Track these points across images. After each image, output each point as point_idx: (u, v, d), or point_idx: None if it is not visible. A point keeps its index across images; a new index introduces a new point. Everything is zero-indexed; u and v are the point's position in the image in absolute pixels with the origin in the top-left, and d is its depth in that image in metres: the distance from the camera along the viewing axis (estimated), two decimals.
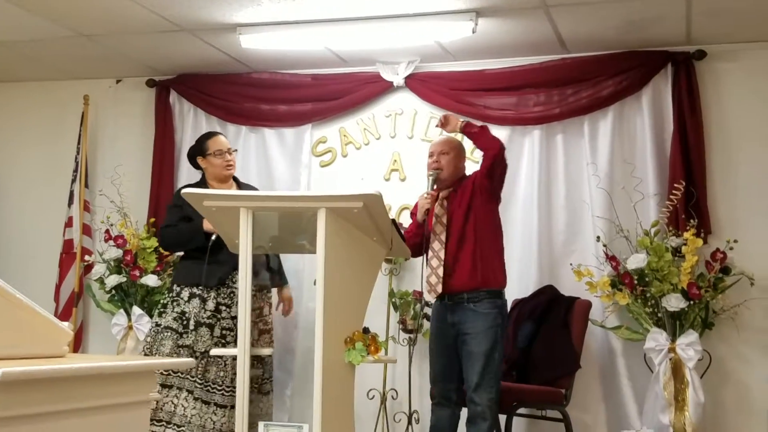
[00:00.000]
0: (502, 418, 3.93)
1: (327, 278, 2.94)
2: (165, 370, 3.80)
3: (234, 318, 3.85)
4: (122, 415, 1.96)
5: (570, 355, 4.07)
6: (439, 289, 3.68)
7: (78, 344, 5.16)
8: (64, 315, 5.01)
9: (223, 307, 3.92)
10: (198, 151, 4.15)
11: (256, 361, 3.85)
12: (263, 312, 3.96)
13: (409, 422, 4.50)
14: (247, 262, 3.05)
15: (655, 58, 4.46)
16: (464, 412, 3.77)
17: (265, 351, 3.58)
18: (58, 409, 1.76)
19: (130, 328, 4.84)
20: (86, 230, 5.23)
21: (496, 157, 3.67)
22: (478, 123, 3.81)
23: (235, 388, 3.83)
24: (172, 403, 3.81)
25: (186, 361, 2.19)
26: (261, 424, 3.00)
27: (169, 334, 3.90)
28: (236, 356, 3.65)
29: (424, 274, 3.77)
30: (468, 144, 4.74)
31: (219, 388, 3.86)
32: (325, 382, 2.88)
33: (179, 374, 3.83)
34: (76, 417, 1.82)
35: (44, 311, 1.97)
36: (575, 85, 4.56)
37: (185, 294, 3.93)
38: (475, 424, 3.63)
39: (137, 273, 4.81)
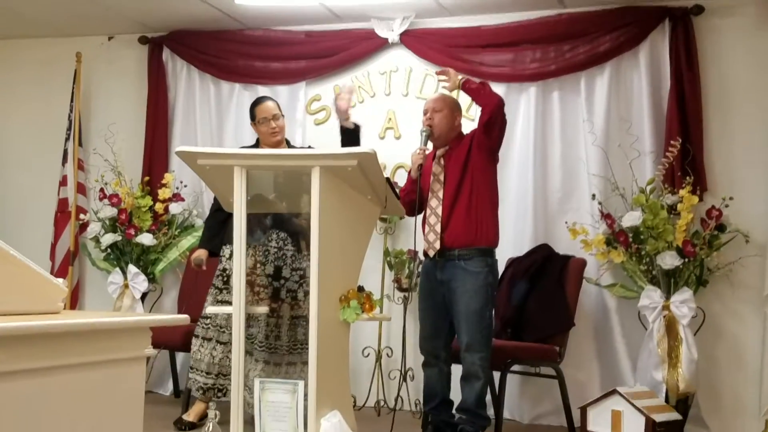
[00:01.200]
0: (497, 374, 3.97)
1: (321, 237, 2.93)
2: (204, 324, 3.89)
3: (268, 276, 3.89)
4: (117, 371, 1.97)
5: (564, 312, 4.10)
6: (437, 245, 3.68)
7: (75, 303, 5.18)
8: (60, 274, 5.02)
9: (259, 265, 3.93)
10: (250, 116, 4.10)
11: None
12: (306, 273, 3.96)
13: (404, 379, 4.54)
14: (241, 220, 3.04)
15: (652, 13, 4.40)
16: (456, 370, 3.80)
17: (261, 309, 3.59)
18: (53, 364, 1.76)
19: (126, 286, 4.86)
20: (81, 189, 5.22)
21: (494, 112, 3.62)
22: (477, 80, 3.76)
23: (269, 345, 3.89)
24: (211, 354, 3.91)
25: (180, 317, 2.19)
26: (257, 381, 3.02)
27: (211, 290, 3.99)
28: (289, 314, 3.73)
29: (424, 231, 3.77)
30: (464, 101, 4.73)
31: (253, 342, 3.90)
32: (320, 340, 2.90)
33: (218, 328, 3.90)
34: (71, 372, 1.82)
35: (39, 267, 1.96)
36: (572, 41, 4.51)
37: (227, 251, 3.99)
38: (469, 383, 3.67)
39: (132, 232, 4.82)
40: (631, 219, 4.10)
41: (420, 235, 3.77)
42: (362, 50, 4.87)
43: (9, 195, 5.52)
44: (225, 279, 3.97)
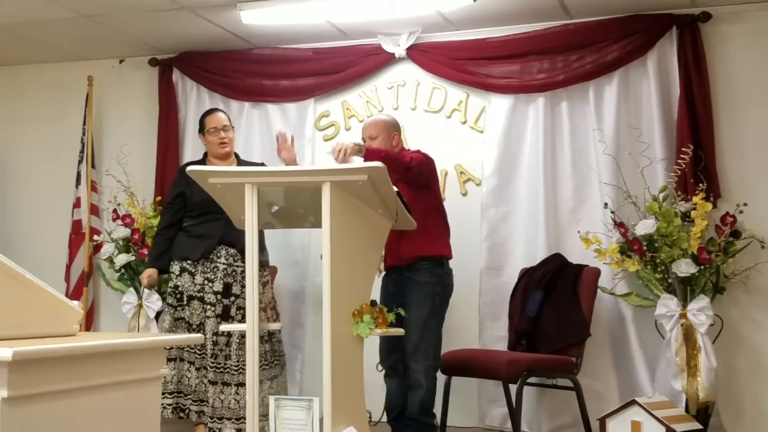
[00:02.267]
0: (513, 387, 3.95)
1: (333, 252, 2.93)
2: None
3: (216, 293, 3.93)
4: (134, 392, 1.97)
5: (580, 323, 4.08)
6: (382, 267, 3.82)
7: (90, 323, 5.20)
8: (74, 295, 5.05)
9: (207, 282, 3.97)
10: (199, 128, 4.19)
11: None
12: (261, 290, 3.98)
13: None
14: (253, 238, 3.05)
15: (659, 21, 4.41)
16: None
17: (274, 326, 3.60)
18: (70, 387, 1.77)
19: (140, 306, 4.87)
20: (94, 210, 5.26)
21: (400, 179, 3.62)
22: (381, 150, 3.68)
23: (230, 365, 3.90)
24: (179, 374, 3.92)
25: (194, 336, 2.20)
26: (272, 399, 3.01)
27: (167, 309, 4.06)
28: (238, 333, 3.77)
29: None
30: (474, 110, 4.74)
31: (219, 365, 3.93)
32: (333, 356, 2.89)
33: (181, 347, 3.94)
34: (88, 394, 1.83)
35: (54, 290, 1.98)
36: (579, 50, 4.52)
37: (176, 268, 4.04)
38: (413, 391, 3.74)
39: (145, 251, 4.83)
40: (645, 227, 4.08)
41: None
42: (369, 66, 4.89)
43: (24, 217, 5.57)
44: (179, 296, 4.00)
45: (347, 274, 3.01)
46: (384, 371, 3.93)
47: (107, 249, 4.99)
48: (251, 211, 3.05)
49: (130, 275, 4.93)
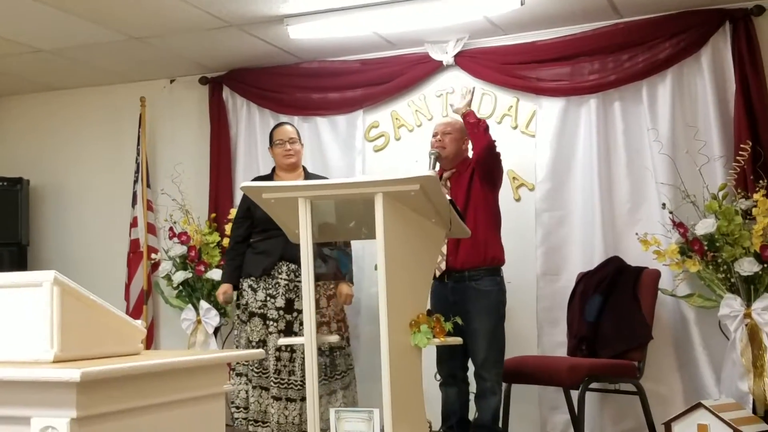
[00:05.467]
0: (575, 393, 3.90)
1: (388, 262, 2.93)
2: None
3: (278, 309, 3.95)
4: (198, 409, 1.99)
5: (641, 326, 4.01)
6: (443, 266, 3.79)
7: (150, 340, 5.29)
8: (135, 313, 5.15)
9: (269, 298, 3.99)
10: (269, 142, 4.28)
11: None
12: (319, 304, 3.98)
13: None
14: (308, 251, 3.06)
15: (711, 16, 4.31)
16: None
17: (331, 338, 3.61)
18: (136, 405, 1.79)
19: (199, 322, 4.94)
20: (151, 229, 5.35)
21: (481, 154, 3.76)
22: (479, 117, 3.90)
23: (294, 381, 3.91)
24: (245, 390, 3.95)
25: (256, 352, 2.21)
26: (332, 411, 3.02)
27: (239, 325, 4.10)
28: (295, 346, 3.80)
29: None
30: (524, 114, 4.71)
31: (283, 381, 3.94)
32: (392, 367, 2.88)
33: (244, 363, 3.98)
34: (154, 412, 1.85)
35: (117, 310, 2.01)
36: (630, 50, 4.45)
37: (245, 284, 4.06)
38: (485, 398, 3.76)
39: (202, 268, 4.91)
40: (705, 226, 3.99)
41: None
42: (417, 74, 4.89)
43: (82, 238, 5.70)
44: (245, 313, 4.03)
45: (403, 284, 3.01)
46: (441, 380, 3.93)
47: (165, 267, 5.08)
48: (305, 225, 3.07)
49: (188, 292, 5.00)
